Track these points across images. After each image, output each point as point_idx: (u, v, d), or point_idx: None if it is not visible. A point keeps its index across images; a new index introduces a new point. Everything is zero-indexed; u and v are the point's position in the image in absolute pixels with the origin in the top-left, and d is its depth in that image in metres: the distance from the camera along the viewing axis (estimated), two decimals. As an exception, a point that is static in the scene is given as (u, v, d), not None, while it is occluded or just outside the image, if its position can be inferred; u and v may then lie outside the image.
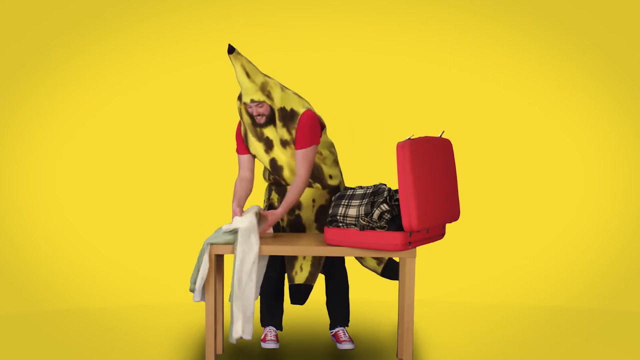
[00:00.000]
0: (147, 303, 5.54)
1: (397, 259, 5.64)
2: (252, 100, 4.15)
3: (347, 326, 4.68)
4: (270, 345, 4.42)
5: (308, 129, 4.22)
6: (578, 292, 5.85)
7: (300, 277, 4.41)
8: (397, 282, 6.14)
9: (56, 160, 6.98)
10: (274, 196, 4.45)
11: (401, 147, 3.86)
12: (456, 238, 6.77)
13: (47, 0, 6.89)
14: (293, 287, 4.44)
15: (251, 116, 4.23)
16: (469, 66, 7.00)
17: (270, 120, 4.22)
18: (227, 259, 6.55)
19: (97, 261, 6.43)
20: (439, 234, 4.23)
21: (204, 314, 5.25)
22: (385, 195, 4.00)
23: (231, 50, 4.07)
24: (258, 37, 6.94)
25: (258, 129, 4.27)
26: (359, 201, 4.06)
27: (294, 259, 4.41)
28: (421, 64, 6.97)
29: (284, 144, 4.27)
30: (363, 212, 4.01)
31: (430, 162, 4.01)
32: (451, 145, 4.20)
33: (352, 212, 4.04)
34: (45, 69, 6.98)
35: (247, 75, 4.11)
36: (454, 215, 4.20)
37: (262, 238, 4.26)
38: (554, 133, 7.02)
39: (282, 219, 4.44)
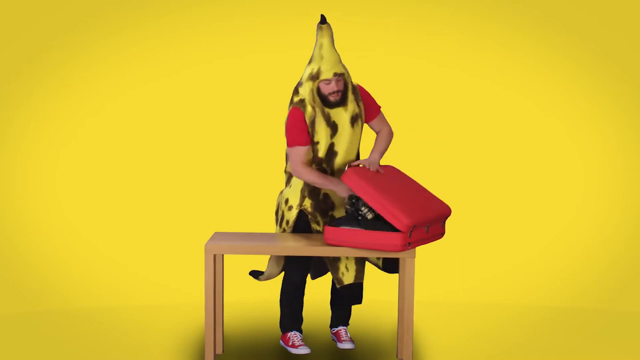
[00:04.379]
0: (147, 303, 5.54)
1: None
2: (336, 74, 4.16)
3: (348, 325, 4.68)
4: (304, 350, 4.35)
5: (371, 97, 4.41)
6: (578, 292, 5.85)
7: (348, 277, 4.35)
8: (397, 282, 6.14)
9: (56, 161, 6.98)
10: (307, 202, 4.35)
11: (346, 175, 4.08)
12: (456, 238, 6.77)
13: (47, 0, 6.89)
14: (343, 289, 4.37)
15: (325, 96, 4.21)
16: (469, 67, 7.00)
17: (343, 98, 4.24)
18: (227, 259, 6.55)
19: (97, 261, 6.43)
20: (439, 234, 4.23)
21: (204, 314, 5.24)
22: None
23: (324, 21, 4.15)
24: (258, 37, 6.94)
25: (327, 111, 4.23)
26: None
27: (337, 261, 4.34)
28: (421, 65, 6.97)
29: (355, 119, 4.28)
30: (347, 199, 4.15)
31: (382, 178, 4.20)
32: (395, 167, 4.43)
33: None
34: (45, 69, 6.98)
35: (333, 46, 4.17)
36: (444, 210, 4.21)
37: (263, 239, 4.26)
38: (554, 133, 7.02)
39: (318, 223, 4.38)
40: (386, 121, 4.46)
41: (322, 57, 4.18)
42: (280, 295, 4.45)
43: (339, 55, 4.21)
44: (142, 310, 5.36)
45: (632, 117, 7.00)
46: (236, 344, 4.63)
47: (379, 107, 4.44)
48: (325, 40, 4.18)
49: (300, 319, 4.46)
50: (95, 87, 7.01)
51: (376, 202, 3.97)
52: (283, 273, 4.55)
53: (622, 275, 6.23)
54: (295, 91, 4.29)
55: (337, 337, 4.55)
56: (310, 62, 4.25)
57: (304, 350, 4.34)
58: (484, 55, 6.98)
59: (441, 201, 4.28)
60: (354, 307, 5.43)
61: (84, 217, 6.88)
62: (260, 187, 6.77)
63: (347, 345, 4.48)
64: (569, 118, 7.02)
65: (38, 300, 5.56)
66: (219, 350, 4.45)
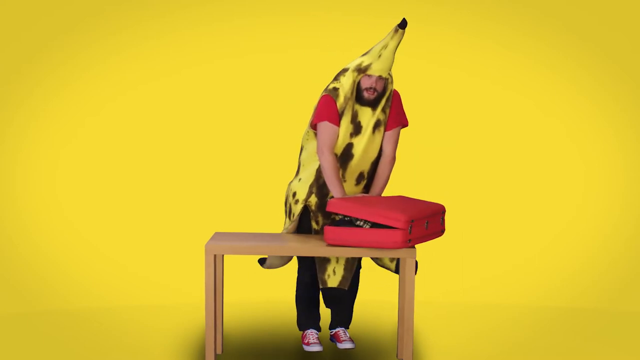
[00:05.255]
0: (147, 303, 5.54)
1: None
2: (381, 77, 4.16)
3: (348, 328, 4.67)
4: (315, 348, 4.37)
5: (402, 107, 4.33)
6: (578, 292, 5.85)
7: (332, 281, 4.36)
8: (397, 282, 6.14)
9: (56, 161, 6.98)
10: (313, 199, 4.35)
11: (330, 205, 4.04)
12: (456, 238, 6.77)
13: (47, 0, 6.89)
14: (325, 291, 4.40)
15: (361, 90, 4.18)
16: (469, 67, 7.00)
17: (377, 100, 4.20)
18: (227, 259, 6.55)
19: (98, 261, 6.43)
20: (439, 231, 4.23)
21: (204, 314, 5.24)
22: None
23: (404, 26, 4.10)
24: (258, 37, 6.94)
25: (356, 108, 4.20)
26: None
27: (326, 262, 4.35)
28: (421, 65, 6.97)
29: (377, 125, 4.24)
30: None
31: (366, 197, 4.20)
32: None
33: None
34: (45, 69, 6.98)
35: (394, 52, 4.15)
36: (437, 206, 4.21)
37: (263, 239, 4.26)
38: (554, 133, 7.02)
39: (317, 222, 4.37)
40: (396, 143, 4.32)
41: (379, 56, 4.14)
42: (295, 295, 4.47)
43: (392, 63, 4.20)
44: (142, 310, 5.36)
45: (632, 117, 7.00)
46: (236, 344, 4.63)
47: (403, 123, 4.35)
48: (393, 44, 4.13)
49: (315, 317, 4.49)
50: (95, 87, 7.01)
51: (369, 214, 3.96)
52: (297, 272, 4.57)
53: (622, 275, 6.23)
54: (336, 78, 4.25)
55: (336, 338, 4.54)
56: (365, 54, 4.21)
57: (313, 348, 4.36)
58: (484, 55, 6.98)
59: (433, 202, 4.29)
60: (355, 307, 5.43)
61: (84, 217, 6.88)
62: (260, 187, 6.77)
63: (347, 345, 4.47)
64: (569, 118, 7.02)
65: (38, 300, 5.56)
66: (219, 350, 4.45)
